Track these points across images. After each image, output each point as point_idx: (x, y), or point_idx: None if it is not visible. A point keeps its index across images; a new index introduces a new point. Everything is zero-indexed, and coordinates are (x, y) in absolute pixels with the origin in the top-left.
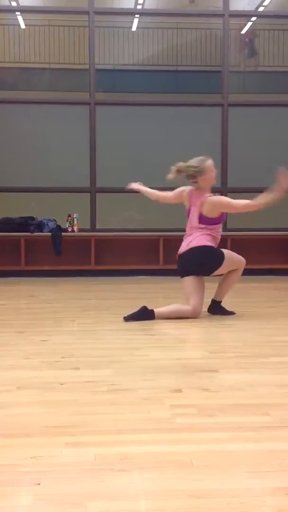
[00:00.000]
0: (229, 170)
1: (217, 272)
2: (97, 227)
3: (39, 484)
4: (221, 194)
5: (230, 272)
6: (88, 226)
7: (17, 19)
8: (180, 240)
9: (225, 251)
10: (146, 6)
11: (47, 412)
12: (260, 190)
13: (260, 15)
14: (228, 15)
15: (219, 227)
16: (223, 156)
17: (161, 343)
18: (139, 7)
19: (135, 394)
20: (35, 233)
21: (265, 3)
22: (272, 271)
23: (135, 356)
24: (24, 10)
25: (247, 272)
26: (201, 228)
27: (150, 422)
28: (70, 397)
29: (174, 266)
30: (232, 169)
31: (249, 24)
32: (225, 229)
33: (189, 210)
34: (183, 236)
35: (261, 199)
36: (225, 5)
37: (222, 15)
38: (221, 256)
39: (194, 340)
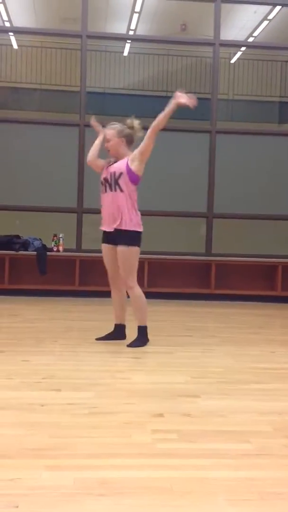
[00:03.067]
0: (215, 196)
1: None
2: (83, 247)
3: (17, 507)
4: (208, 220)
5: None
6: (73, 247)
7: (10, 39)
8: (165, 263)
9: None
10: (138, 32)
11: (27, 434)
12: (246, 217)
13: (249, 45)
14: (218, 44)
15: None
16: (210, 182)
17: (143, 366)
18: (131, 32)
19: (116, 418)
20: (20, 252)
21: (255, 34)
22: (255, 297)
23: (117, 379)
24: (18, 31)
25: (230, 297)
26: None
27: (130, 447)
28: (50, 419)
29: (158, 289)
30: (218, 195)
31: (239, 53)
32: (208, 254)
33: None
34: (168, 259)
35: (159, 117)
36: (216, 34)
37: (212, 44)
38: None
39: (176, 364)
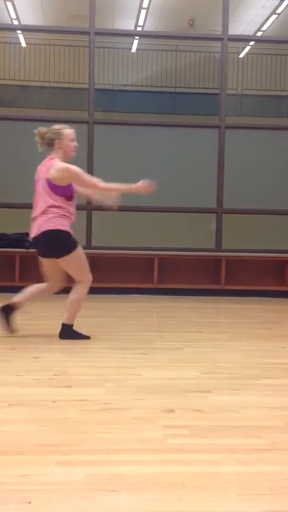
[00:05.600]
0: (225, 192)
1: (63, 264)
2: (93, 244)
3: (29, 503)
4: (217, 216)
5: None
6: (83, 244)
7: (18, 37)
8: (175, 259)
9: (80, 250)
10: (146, 28)
11: (39, 430)
12: (255, 212)
13: (258, 40)
14: (227, 39)
15: (72, 204)
16: (219, 178)
17: (153, 362)
18: (139, 29)
19: (127, 414)
20: (30, 249)
21: (263, 28)
22: (265, 293)
23: (127, 375)
24: (26, 29)
25: (240, 293)
26: (52, 206)
27: (142, 442)
28: (62, 415)
29: (169, 285)
30: (228, 191)
31: (247, 48)
32: (218, 249)
33: (36, 181)
34: (178, 255)
35: (112, 186)
36: (224, 29)
37: (221, 39)
38: (71, 247)
39: (187, 360)
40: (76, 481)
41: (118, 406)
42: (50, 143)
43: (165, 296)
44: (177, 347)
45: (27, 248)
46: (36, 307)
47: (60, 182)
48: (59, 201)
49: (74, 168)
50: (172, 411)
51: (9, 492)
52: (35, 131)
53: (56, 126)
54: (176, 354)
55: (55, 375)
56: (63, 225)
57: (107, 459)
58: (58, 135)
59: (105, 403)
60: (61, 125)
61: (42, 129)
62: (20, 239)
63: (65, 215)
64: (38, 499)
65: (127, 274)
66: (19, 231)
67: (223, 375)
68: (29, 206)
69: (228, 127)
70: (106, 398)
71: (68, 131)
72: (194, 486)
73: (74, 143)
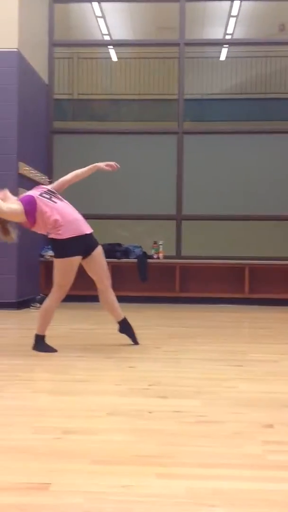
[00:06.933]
0: None
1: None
2: (182, 254)
3: None
4: None
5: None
6: (173, 253)
7: (109, 52)
8: (266, 268)
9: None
10: (235, 36)
11: (137, 440)
12: None
13: None
14: None
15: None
16: None
17: (249, 375)
18: (228, 37)
19: (224, 427)
20: (122, 260)
21: None
22: None
23: (222, 387)
24: (117, 44)
25: None
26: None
27: (242, 457)
28: (158, 427)
29: (260, 295)
30: None
31: None
32: None
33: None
34: (269, 264)
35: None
36: None
37: None
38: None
39: (284, 373)
40: (177, 494)
41: (214, 419)
42: None
43: (256, 306)
44: (273, 359)
45: (118, 258)
46: (128, 317)
47: None
48: None
49: None
50: (271, 426)
51: (110, 502)
52: None
53: None
54: (273, 367)
55: (150, 385)
56: None
57: (207, 473)
58: None
59: (201, 416)
60: None
61: None
62: (112, 250)
63: None
64: (139, 510)
65: (217, 284)
66: (111, 242)
67: None
68: (120, 217)
69: None
70: (202, 410)
71: None
72: None
73: None
